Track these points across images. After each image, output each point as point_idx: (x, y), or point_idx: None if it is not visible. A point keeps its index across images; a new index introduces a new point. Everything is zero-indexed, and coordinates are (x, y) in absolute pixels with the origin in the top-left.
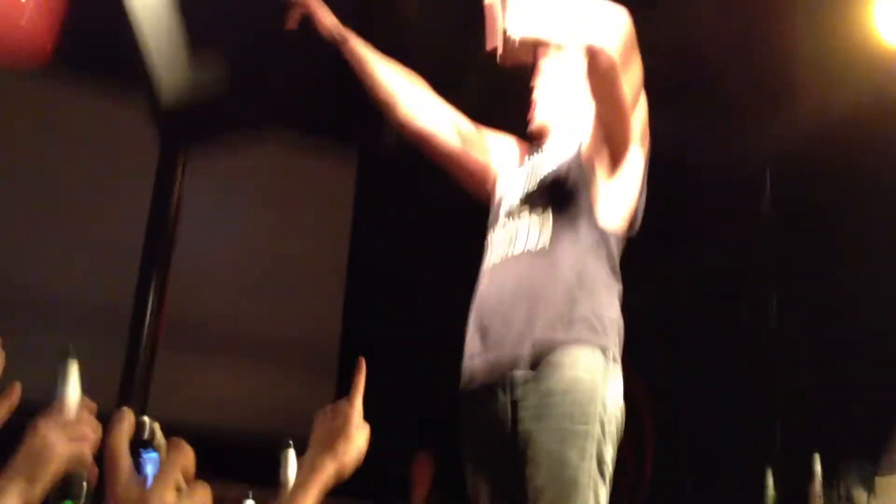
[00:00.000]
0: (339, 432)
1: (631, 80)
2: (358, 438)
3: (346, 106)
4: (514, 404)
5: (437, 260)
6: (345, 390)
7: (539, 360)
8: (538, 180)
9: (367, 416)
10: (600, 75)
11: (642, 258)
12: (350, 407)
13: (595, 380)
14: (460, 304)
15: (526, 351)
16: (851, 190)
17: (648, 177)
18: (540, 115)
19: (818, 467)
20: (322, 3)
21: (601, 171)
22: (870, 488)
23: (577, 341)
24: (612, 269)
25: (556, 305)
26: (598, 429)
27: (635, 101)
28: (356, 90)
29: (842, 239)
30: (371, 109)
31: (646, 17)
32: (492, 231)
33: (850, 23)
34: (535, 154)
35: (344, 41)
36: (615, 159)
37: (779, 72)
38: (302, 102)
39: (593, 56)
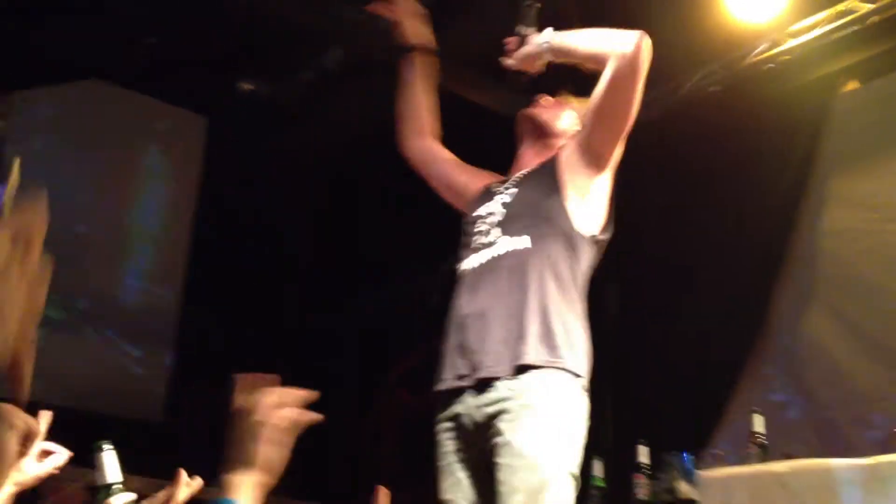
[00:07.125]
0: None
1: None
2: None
3: (198, 72)
4: (495, 413)
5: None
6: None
7: (518, 376)
8: (515, 199)
9: None
10: (622, 67)
11: None
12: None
13: (570, 403)
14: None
15: (506, 366)
16: (700, 181)
17: None
18: (545, 115)
19: (643, 458)
20: (419, 16)
21: (578, 184)
22: (691, 481)
23: (556, 366)
24: (585, 276)
25: (534, 320)
26: (571, 446)
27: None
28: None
29: (686, 242)
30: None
31: None
32: (466, 242)
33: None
34: (511, 180)
35: (414, 55)
36: (597, 161)
37: None
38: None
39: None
